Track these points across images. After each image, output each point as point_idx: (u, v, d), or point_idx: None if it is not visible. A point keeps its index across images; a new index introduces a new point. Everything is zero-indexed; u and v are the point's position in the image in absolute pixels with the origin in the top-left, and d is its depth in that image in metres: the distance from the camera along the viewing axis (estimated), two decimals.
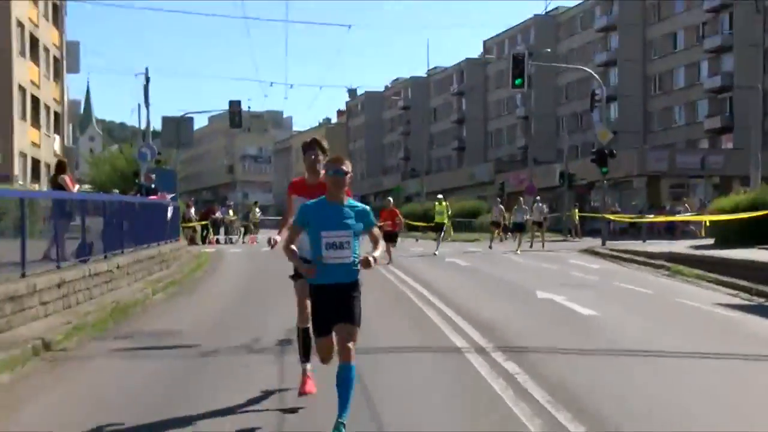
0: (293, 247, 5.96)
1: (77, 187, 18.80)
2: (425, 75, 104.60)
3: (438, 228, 29.68)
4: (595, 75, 41.93)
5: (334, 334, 5.80)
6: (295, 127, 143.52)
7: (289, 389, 7.00)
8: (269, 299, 13.59)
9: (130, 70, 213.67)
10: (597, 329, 10.74)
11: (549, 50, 72.31)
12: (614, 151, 32.03)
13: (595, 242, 32.11)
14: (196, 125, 55.19)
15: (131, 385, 7.58)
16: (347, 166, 5.86)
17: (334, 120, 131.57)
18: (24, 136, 41.53)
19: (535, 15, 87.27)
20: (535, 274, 19.51)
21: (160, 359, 8.83)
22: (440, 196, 30.32)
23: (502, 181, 61.13)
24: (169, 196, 24.92)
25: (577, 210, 43.98)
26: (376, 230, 6.04)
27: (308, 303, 6.35)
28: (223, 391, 7.09)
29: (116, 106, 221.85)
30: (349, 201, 5.93)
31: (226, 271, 21.26)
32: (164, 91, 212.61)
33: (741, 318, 12.20)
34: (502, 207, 36.48)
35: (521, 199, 33.61)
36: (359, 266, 5.74)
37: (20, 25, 41.29)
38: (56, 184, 14.88)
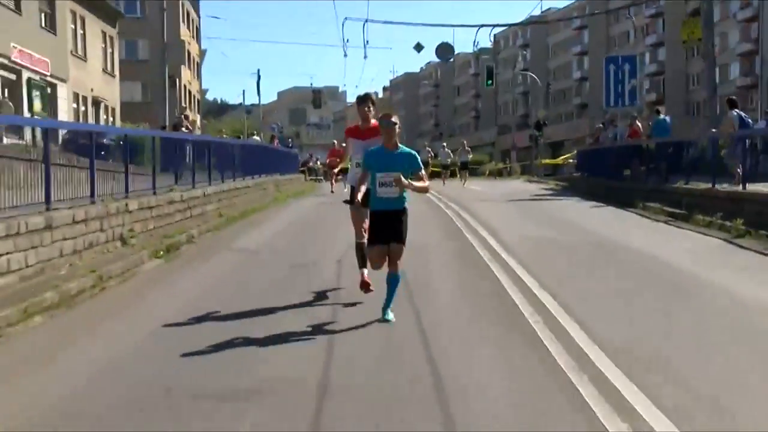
0: (362, 187, 6.91)
1: (276, 143, 35.49)
2: (451, 60, 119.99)
3: (464, 167, 35.40)
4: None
5: (388, 249, 6.72)
6: (349, 100, 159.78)
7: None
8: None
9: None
10: (473, 191, 27.34)
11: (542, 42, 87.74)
12: (546, 122, 48.00)
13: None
14: (267, 99, 71.94)
15: (307, 206, 24.14)
16: (395, 119, 6.73)
17: (380, 95, 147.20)
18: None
19: (530, 15, 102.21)
20: (484, 183, 35.80)
21: (316, 202, 25.54)
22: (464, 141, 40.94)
23: (494, 140, 77.18)
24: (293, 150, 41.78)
25: (541, 159, 59.77)
26: (421, 173, 6.79)
27: (363, 223, 7.54)
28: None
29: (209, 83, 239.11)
30: (401, 148, 6.77)
31: (325, 189, 37.98)
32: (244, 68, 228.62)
33: (538, 190, 28.55)
34: (429, 149, 41.63)
35: (444, 145, 39.42)
36: (399, 185, 6.54)
37: (182, 43, 58.21)
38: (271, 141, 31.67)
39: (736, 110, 15.09)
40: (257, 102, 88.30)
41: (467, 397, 4.76)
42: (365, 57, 36.48)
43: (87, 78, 36.23)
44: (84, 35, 36.14)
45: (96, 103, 37.41)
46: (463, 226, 14.33)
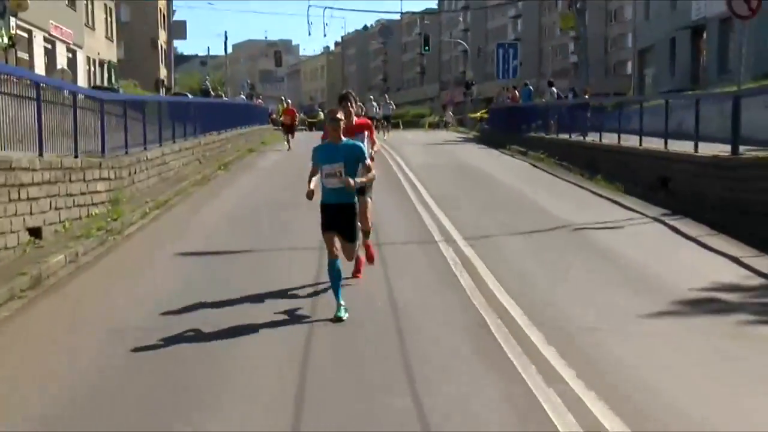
0: (314, 179, 7.28)
1: (259, 101, 44.12)
2: (398, 19, 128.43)
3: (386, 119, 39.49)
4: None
5: (340, 249, 7.24)
6: (302, 53, 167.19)
7: None
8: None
9: None
10: (405, 138, 36.59)
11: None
12: (474, 82, 57.31)
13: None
14: (222, 51, 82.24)
15: (284, 155, 33.20)
16: (340, 115, 7.14)
17: (332, 48, 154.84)
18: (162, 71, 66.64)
19: None
20: (418, 134, 44.99)
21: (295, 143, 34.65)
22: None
23: (436, 95, 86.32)
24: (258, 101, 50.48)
25: (476, 113, 69.13)
26: (367, 162, 7.24)
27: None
28: None
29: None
30: (345, 141, 7.13)
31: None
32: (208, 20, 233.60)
33: (455, 139, 37.87)
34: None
35: (371, 98, 42.79)
36: (346, 186, 6.95)
37: (159, 10, 65.97)
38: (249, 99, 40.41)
39: (553, 88, 24.66)
40: (218, 57, 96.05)
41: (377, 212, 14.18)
42: (324, 35, 43.22)
43: (95, 44, 44.36)
44: (92, 9, 44.18)
45: (101, 64, 45.58)
46: (388, 157, 23.58)
